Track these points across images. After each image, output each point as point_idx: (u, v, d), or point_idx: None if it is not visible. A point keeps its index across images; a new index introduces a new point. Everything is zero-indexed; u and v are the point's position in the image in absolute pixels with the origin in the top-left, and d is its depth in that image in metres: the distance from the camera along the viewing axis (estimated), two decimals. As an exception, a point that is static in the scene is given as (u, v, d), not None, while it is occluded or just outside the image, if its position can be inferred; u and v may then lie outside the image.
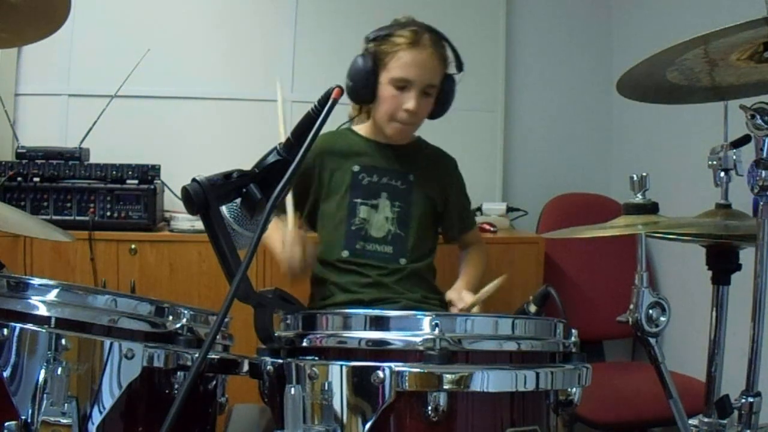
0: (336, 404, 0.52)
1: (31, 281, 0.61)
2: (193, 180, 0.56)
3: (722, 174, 0.73)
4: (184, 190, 0.56)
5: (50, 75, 1.67)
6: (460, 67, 1.01)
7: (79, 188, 1.40)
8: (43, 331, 0.55)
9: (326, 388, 0.52)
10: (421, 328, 0.54)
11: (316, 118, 0.58)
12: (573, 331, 0.60)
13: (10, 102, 1.62)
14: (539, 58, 1.86)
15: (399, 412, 0.52)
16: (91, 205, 1.39)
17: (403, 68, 0.95)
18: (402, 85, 0.96)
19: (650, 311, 0.64)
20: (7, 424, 0.51)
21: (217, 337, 0.67)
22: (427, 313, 0.56)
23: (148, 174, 1.44)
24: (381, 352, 0.55)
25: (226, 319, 0.71)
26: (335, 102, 0.59)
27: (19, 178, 1.38)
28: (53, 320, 0.59)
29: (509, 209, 1.72)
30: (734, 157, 0.72)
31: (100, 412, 0.55)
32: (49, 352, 0.53)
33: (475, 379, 0.52)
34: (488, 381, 0.52)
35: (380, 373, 0.51)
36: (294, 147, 0.59)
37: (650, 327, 0.64)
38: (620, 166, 1.84)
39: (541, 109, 1.86)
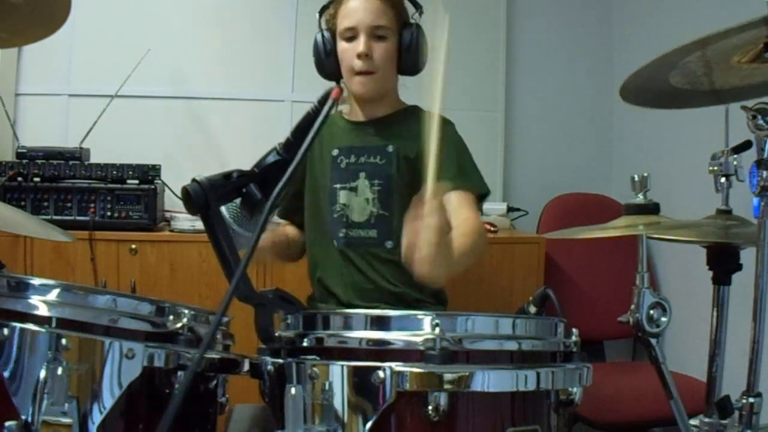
0: (337, 404, 0.52)
1: (32, 281, 0.61)
2: (193, 180, 0.56)
3: (723, 180, 0.73)
4: (184, 190, 0.56)
5: (50, 75, 1.67)
6: (416, 5, 0.96)
7: (80, 188, 1.40)
8: (44, 331, 0.55)
9: (327, 388, 0.52)
10: (422, 328, 0.54)
11: (316, 117, 0.58)
12: (574, 330, 0.60)
13: (10, 102, 1.62)
14: (540, 58, 1.86)
15: (399, 412, 0.52)
16: (92, 205, 1.39)
17: (346, 17, 0.93)
18: (350, 36, 0.93)
19: (651, 312, 0.64)
20: (7, 424, 0.51)
21: (218, 336, 0.67)
22: (427, 313, 0.56)
23: (148, 174, 1.44)
24: (381, 352, 0.55)
25: (227, 319, 0.70)
26: (335, 102, 0.59)
27: (20, 178, 1.38)
28: (54, 320, 0.59)
29: (510, 209, 1.72)
30: (735, 162, 0.72)
31: (101, 412, 0.55)
32: (49, 352, 0.53)
33: (476, 379, 0.51)
34: (489, 381, 0.52)
35: (381, 373, 0.51)
36: (293, 146, 0.59)
37: (651, 327, 0.64)
38: (621, 166, 1.84)
39: (542, 108, 1.86)
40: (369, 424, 0.51)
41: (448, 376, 0.51)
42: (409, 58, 0.96)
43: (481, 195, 0.97)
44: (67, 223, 1.32)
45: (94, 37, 1.66)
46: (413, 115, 1.01)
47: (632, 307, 0.64)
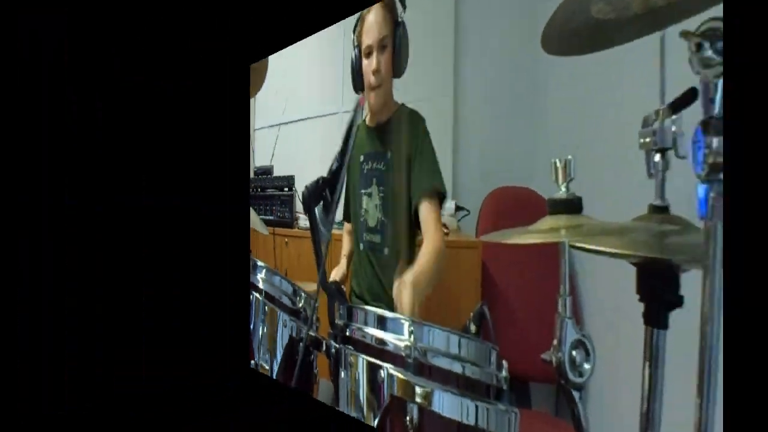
0: (360, 395, 0.57)
1: (258, 263, 0.83)
2: (305, 186, 0.73)
3: (657, 157, 0.46)
4: (301, 194, 0.72)
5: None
6: (403, 3, 0.91)
7: (270, 196, 1.85)
8: (261, 298, 0.86)
9: (357, 377, 0.59)
10: (403, 333, 0.59)
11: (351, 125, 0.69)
12: (504, 363, 0.59)
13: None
14: (480, 42, 1.28)
15: (393, 415, 0.54)
16: (274, 208, 1.81)
17: (365, 34, 0.94)
18: (368, 52, 0.94)
19: (573, 353, 0.53)
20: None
21: (314, 318, 0.87)
22: (406, 318, 0.61)
23: (287, 183, 1.61)
24: (383, 351, 0.62)
25: (317, 304, 0.82)
26: (359, 109, 0.71)
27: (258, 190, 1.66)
28: (263, 293, 0.91)
29: (458, 208, 1.25)
30: (674, 128, 0.46)
31: (276, 363, 0.86)
32: (262, 315, 0.87)
33: (436, 398, 0.54)
34: (444, 403, 0.54)
35: (381, 373, 0.56)
36: (342, 153, 0.71)
37: (573, 375, 0.52)
38: (546, 152, 1.13)
39: (484, 91, 1.30)
40: (376, 421, 0.55)
41: (418, 390, 0.54)
42: (400, 61, 0.92)
43: (442, 195, 0.94)
44: (269, 222, 1.53)
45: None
46: (402, 116, 0.99)
47: (555, 342, 0.54)
